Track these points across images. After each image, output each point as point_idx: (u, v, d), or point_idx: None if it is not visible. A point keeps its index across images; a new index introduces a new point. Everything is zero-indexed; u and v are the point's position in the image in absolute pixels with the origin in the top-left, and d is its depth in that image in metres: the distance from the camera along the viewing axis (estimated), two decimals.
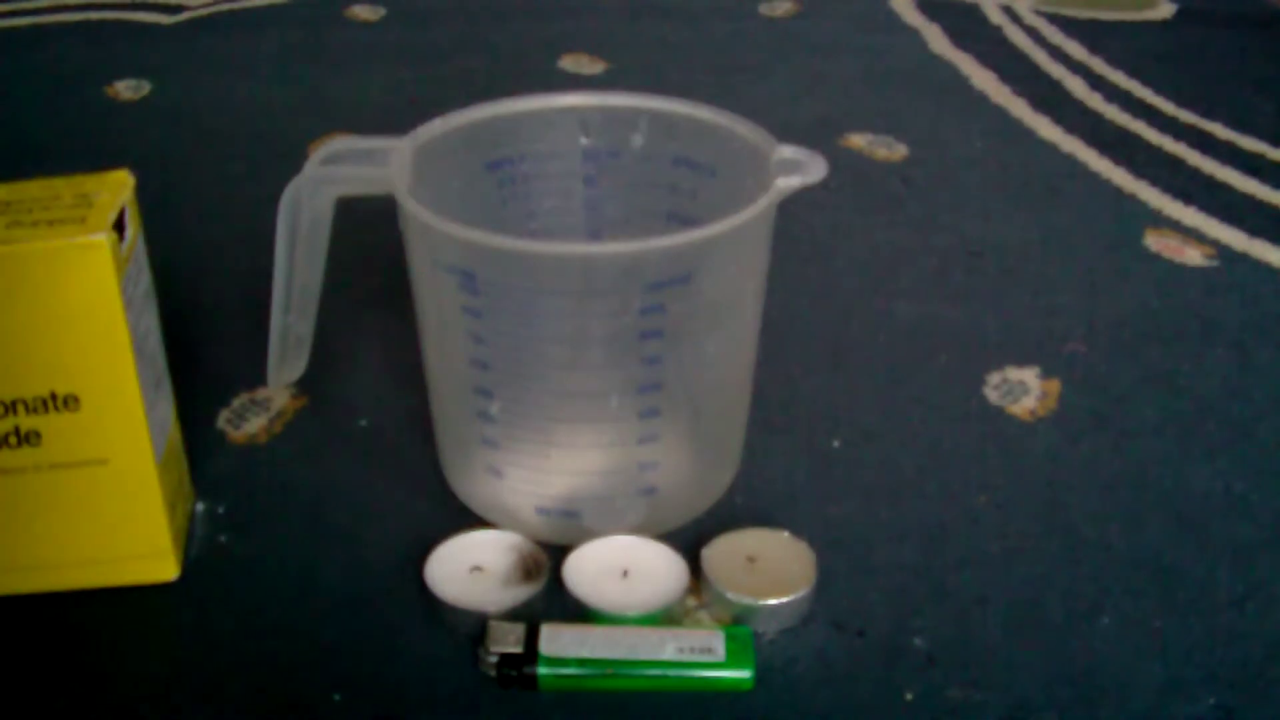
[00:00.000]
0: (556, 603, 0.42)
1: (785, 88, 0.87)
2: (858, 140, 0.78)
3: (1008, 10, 1.03)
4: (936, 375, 0.55)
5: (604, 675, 0.39)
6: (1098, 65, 0.92)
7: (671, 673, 0.39)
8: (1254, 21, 1.01)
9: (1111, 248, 0.66)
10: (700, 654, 0.39)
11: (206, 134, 0.79)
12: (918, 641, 0.41)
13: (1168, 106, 0.84)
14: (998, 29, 0.99)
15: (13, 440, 0.40)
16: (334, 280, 0.48)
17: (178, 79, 0.88)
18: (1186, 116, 0.83)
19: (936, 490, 0.48)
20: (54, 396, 0.40)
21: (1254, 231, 0.68)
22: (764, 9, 1.03)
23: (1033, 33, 0.99)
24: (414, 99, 0.84)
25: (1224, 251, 0.66)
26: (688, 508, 0.46)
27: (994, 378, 0.55)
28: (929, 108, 0.84)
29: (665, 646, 0.40)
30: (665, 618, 0.41)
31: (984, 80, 0.88)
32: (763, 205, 0.41)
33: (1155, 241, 0.67)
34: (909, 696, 0.39)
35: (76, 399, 0.40)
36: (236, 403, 0.53)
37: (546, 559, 0.43)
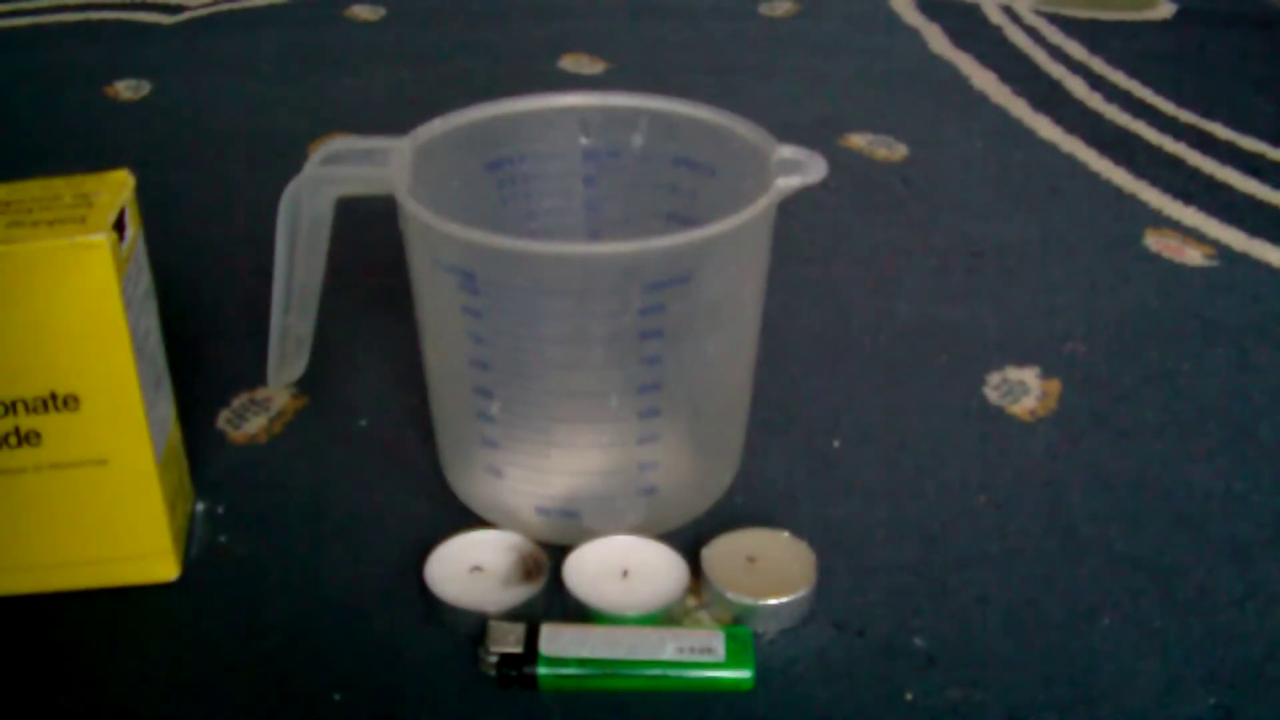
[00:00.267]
0: (556, 603, 0.42)
1: (785, 88, 0.87)
2: (858, 140, 0.78)
3: (1008, 10, 1.03)
4: (936, 375, 0.55)
5: (604, 675, 0.39)
6: (1098, 65, 0.92)
7: (671, 673, 0.39)
8: (1254, 21, 1.01)
9: (1111, 248, 0.66)
10: (700, 654, 0.39)
11: (206, 134, 0.79)
12: (918, 641, 0.41)
13: (1168, 106, 0.84)
14: (998, 29, 0.99)
15: (13, 440, 0.40)
16: (334, 280, 0.48)
17: (178, 79, 0.88)
18: (1186, 116, 0.83)
19: (936, 490, 0.48)
20: (54, 396, 0.40)
21: (1254, 231, 0.68)
22: (764, 9, 1.03)
23: (1033, 33, 0.99)
24: (414, 99, 0.84)
25: (1224, 251, 0.66)
26: (688, 508, 0.46)
27: (994, 378, 0.55)
28: (929, 108, 0.84)
29: (665, 646, 0.40)
30: (665, 618, 0.41)
31: (984, 80, 0.88)
32: (763, 205, 0.41)
33: (1155, 241, 0.67)
34: (909, 696, 0.39)
35: (76, 399, 0.40)
36: (236, 403, 0.53)
37: (546, 559, 0.43)
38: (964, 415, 0.53)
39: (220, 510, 0.47)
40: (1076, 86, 0.88)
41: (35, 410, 0.40)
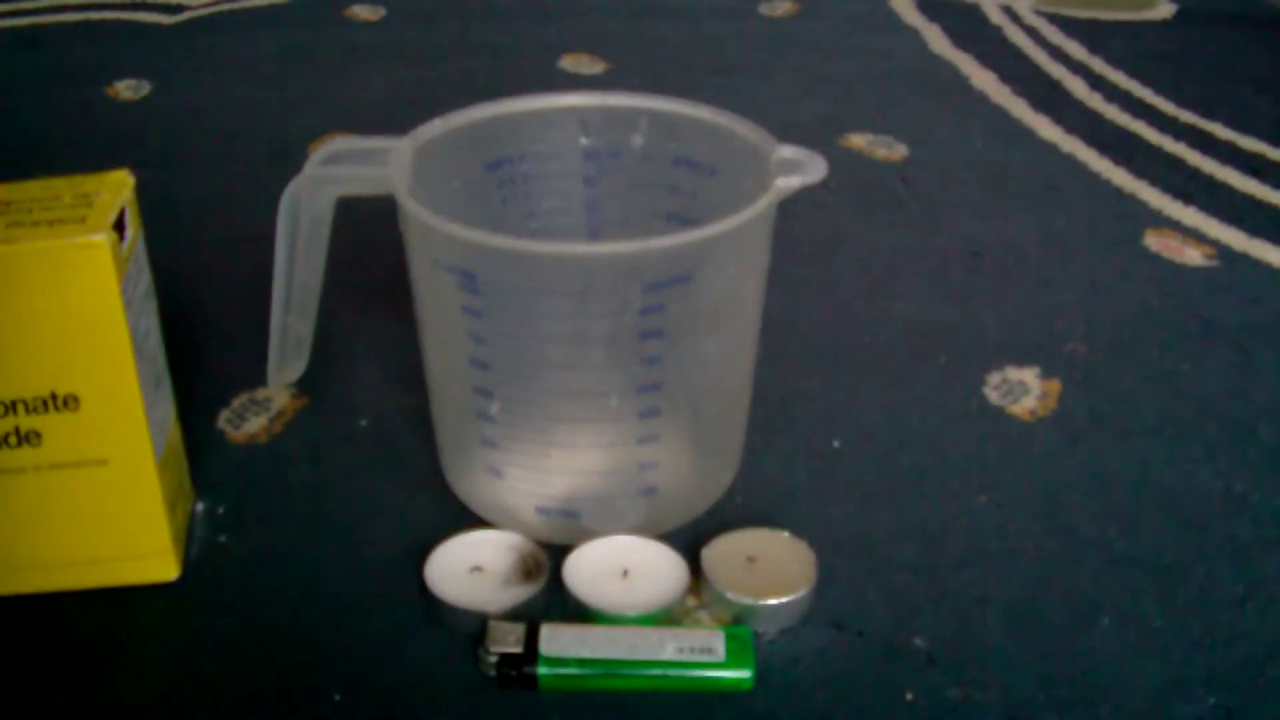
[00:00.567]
0: (556, 603, 0.42)
1: (785, 88, 0.87)
2: (858, 140, 0.78)
3: (1008, 10, 1.03)
4: (936, 375, 0.55)
5: (604, 675, 0.39)
6: (1098, 65, 0.92)
7: (671, 673, 0.39)
8: (1254, 21, 1.01)
9: (1111, 248, 0.66)
10: (700, 654, 0.39)
11: (206, 134, 0.79)
12: (918, 641, 0.41)
13: (1168, 106, 0.84)
14: (998, 29, 0.99)
15: (13, 440, 0.40)
16: (334, 280, 0.48)
17: (178, 79, 0.88)
18: (1186, 116, 0.83)
19: (936, 490, 0.48)
20: (54, 396, 0.40)
21: (1254, 231, 0.68)
22: (764, 9, 1.03)
23: (1033, 33, 0.99)
24: (414, 99, 0.84)
25: (1224, 251, 0.66)
26: (688, 508, 0.46)
27: (994, 378, 0.55)
28: (929, 108, 0.84)
29: (665, 646, 0.40)
30: (665, 618, 0.41)
31: (984, 80, 0.88)
32: (763, 205, 0.41)
33: (1155, 241, 0.67)
34: (909, 696, 0.39)
35: (76, 399, 0.40)
36: (236, 403, 0.53)
37: (546, 559, 0.43)
38: (964, 415, 0.53)
39: (220, 510, 0.47)
40: (1076, 87, 0.88)
41: (35, 410, 0.40)
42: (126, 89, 0.86)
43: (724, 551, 0.43)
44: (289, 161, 0.56)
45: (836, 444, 0.51)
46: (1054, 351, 0.57)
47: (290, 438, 0.51)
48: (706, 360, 0.43)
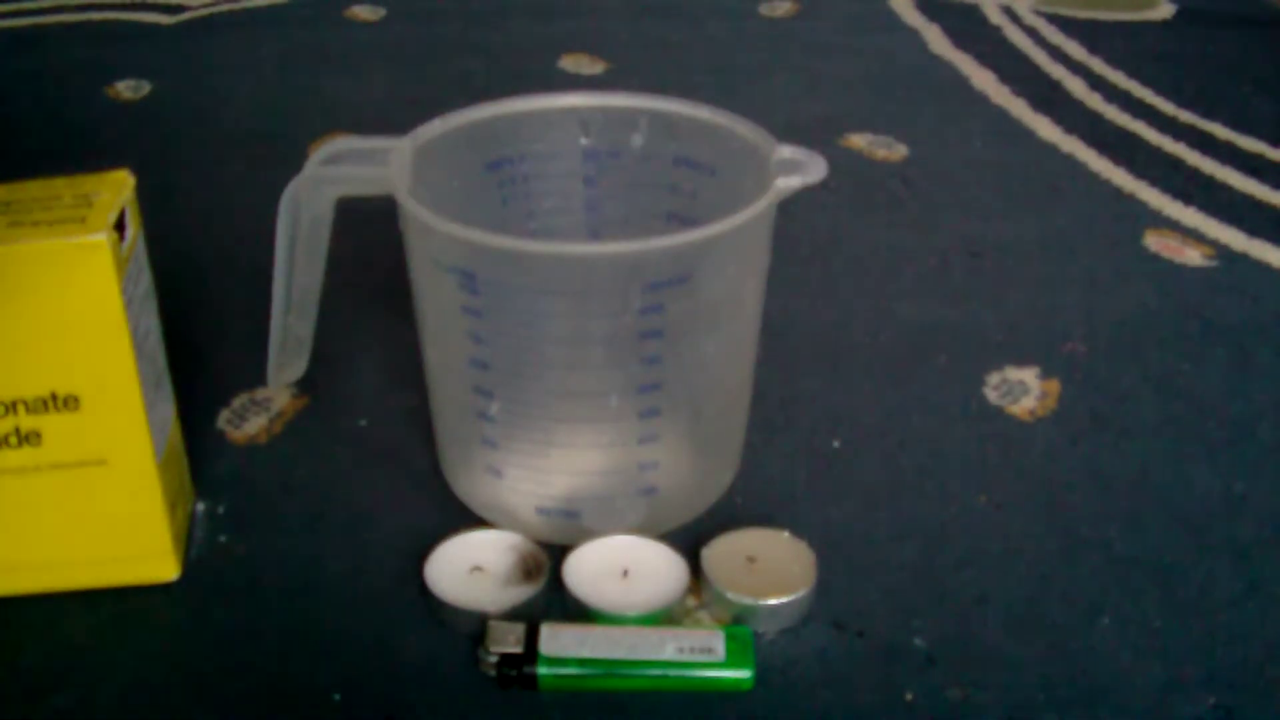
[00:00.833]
0: (556, 603, 0.42)
1: (785, 88, 0.87)
2: (858, 140, 0.78)
3: (1007, 10, 1.03)
4: (936, 375, 0.55)
5: (604, 675, 0.39)
6: (1097, 65, 0.92)
7: (671, 673, 0.39)
8: (1254, 21, 1.01)
9: (1111, 248, 0.66)
10: (700, 654, 0.39)
11: (206, 134, 0.79)
12: (918, 641, 0.41)
13: (1167, 107, 0.84)
14: (997, 29, 0.99)
15: (13, 440, 0.40)
16: (334, 280, 0.48)
17: (178, 79, 0.88)
18: (1186, 117, 0.83)
19: (936, 490, 0.48)
20: (54, 396, 0.40)
21: (1253, 231, 0.68)
22: (764, 9, 1.03)
23: (1032, 33, 0.99)
24: (414, 99, 0.84)
25: (1223, 251, 0.66)
26: (688, 508, 0.46)
27: (994, 378, 0.55)
28: (929, 108, 0.84)
29: (665, 646, 0.40)
30: (665, 618, 0.41)
31: (984, 80, 0.88)
32: (763, 205, 0.41)
33: (1155, 241, 0.67)
34: (909, 697, 0.39)
35: (76, 399, 0.40)
36: (236, 403, 0.53)
37: (546, 559, 0.43)
38: (964, 415, 0.53)
39: (220, 510, 0.47)
40: (1076, 87, 0.88)
41: (35, 410, 0.40)
42: (126, 89, 0.86)
43: (724, 551, 0.43)
44: (289, 161, 0.56)
45: (836, 444, 0.51)
46: (1054, 351, 0.57)
47: (290, 438, 0.51)
48: (706, 360, 0.43)
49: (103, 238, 0.38)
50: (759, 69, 0.90)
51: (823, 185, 0.42)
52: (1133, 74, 0.90)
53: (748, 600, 0.41)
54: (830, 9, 1.03)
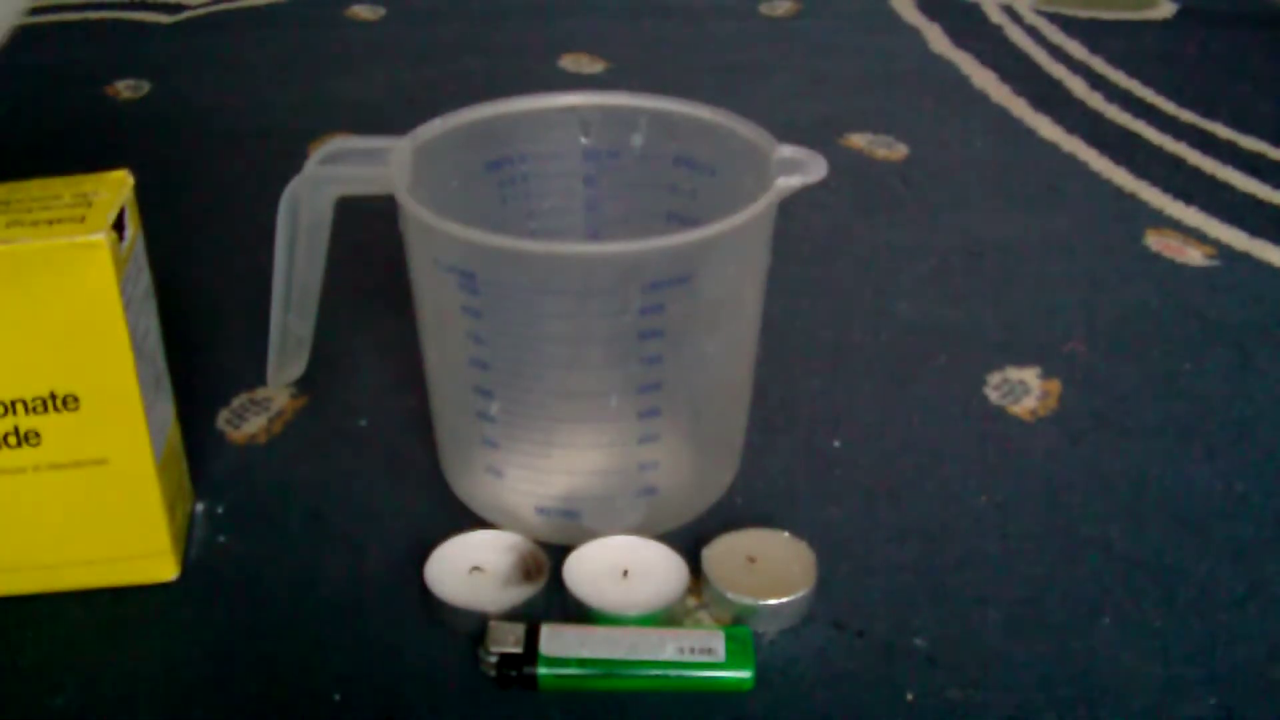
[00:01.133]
0: (556, 603, 0.42)
1: (785, 88, 0.87)
2: (858, 140, 0.78)
3: (1008, 10, 1.03)
4: (936, 375, 0.55)
5: (604, 675, 0.39)
6: (1098, 65, 0.92)
7: (672, 673, 0.39)
8: (1255, 21, 1.01)
9: (1112, 247, 0.66)
10: (700, 654, 0.39)
11: (206, 134, 0.79)
12: (918, 642, 0.41)
13: (1168, 106, 0.84)
14: (998, 28, 0.99)
15: (12, 440, 0.40)
16: (334, 280, 0.48)
17: (178, 79, 0.88)
18: (1187, 116, 0.83)
19: (937, 490, 0.48)
20: (53, 396, 0.40)
21: (1255, 231, 0.68)
22: (764, 9, 1.03)
23: (1033, 32, 0.98)
24: (414, 99, 0.84)
25: (1225, 251, 0.66)
26: (688, 508, 0.46)
27: (994, 378, 0.55)
28: (929, 107, 0.84)
29: (665, 647, 0.40)
30: (665, 618, 0.41)
31: (984, 80, 0.88)
32: (763, 205, 0.41)
33: (1156, 241, 0.67)
34: (909, 697, 0.39)
35: (76, 399, 0.40)
36: (236, 402, 0.53)
37: (546, 559, 0.43)
38: (964, 415, 0.53)
39: (220, 510, 0.47)
40: (1077, 86, 0.88)
41: (35, 410, 0.40)
42: (126, 89, 0.86)
43: (724, 551, 0.43)
44: (289, 161, 0.56)
45: (836, 444, 0.51)
46: (1054, 351, 0.57)
47: (290, 438, 0.51)
48: (706, 360, 0.43)
49: (102, 237, 0.38)
50: (759, 68, 0.90)
51: (823, 185, 0.42)
52: (1134, 73, 0.90)
53: (748, 600, 0.41)
54: (831, 8, 1.03)
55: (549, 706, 0.39)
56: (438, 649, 0.41)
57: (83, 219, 0.39)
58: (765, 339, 0.47)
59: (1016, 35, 0.98)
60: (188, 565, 0.44)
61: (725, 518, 0.46)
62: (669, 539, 0.44)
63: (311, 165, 0.44)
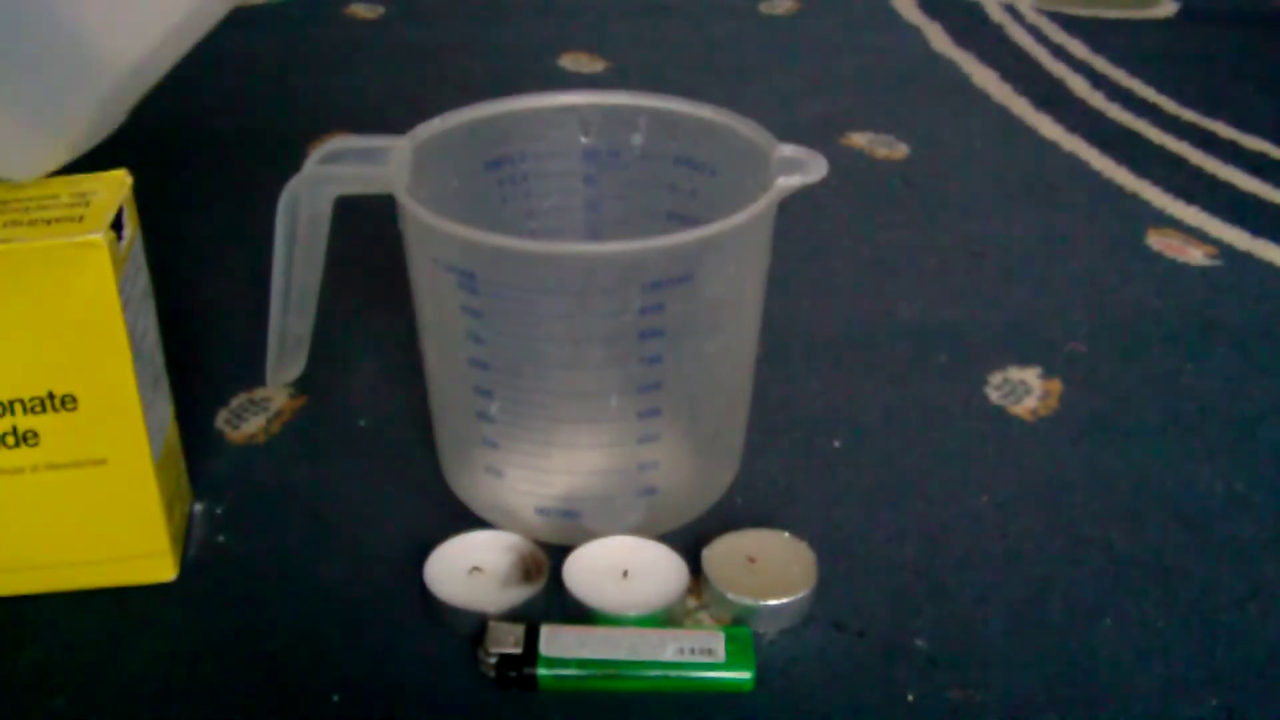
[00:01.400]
0: (556, 603, 0.42)
1: (785, 87, 0.87)
2: (858, 140, 0.78)
3: (1009, 8, 1.03)
4: (937, 375, 0.55)
5: (604, 676, 0.39)
6: (1100, 64, 0.92)
7: (672, 673, 0.39)
8: (1256, 20, 1.01)
9: (1113, 247, 0.66)
10: (700, 655, 0.39)
11: (206, 134, 0.79)
12: (918, 642, 0.41)
13: (1170, 105, 0.84)
14: (999, 27, 0.99)
15: (10, 440, 0.40)
16: (334, 280, 0.48)
17: (177, 78, 0.87)
18: (1189, 115, 0.83)
19: (937, 490, 0.48)
20: (51, 396, 0.40)
21: (1256, 231, 0.68)
22: (764, 8, 1.03)
23: (1034, 31, 0.98)
24: (414, 99, 0.84)
25: (1226, 251, 0.66)
26: (688, 508, 0.46)
27: (995, 378, 0.55)
28: (930, 107, 0.84)
29: (665, 647, 0.39)
30: (665, 618, 0.41)
31: (985, 79, 0.88)
32: (763, 205, 0.41)
33: (1157, 241, 0.67)
34: (910, 697, 0.39)
35: (74, 399, 0.40)
36: (235, 403, 0.53)
37: (546, 559, 0.43)
38: (965, 415, 0.53)
39: (219, 510, 0.47)
40: (1078, 85, 0.88)
41: (33, 410, 0.40)
42: None
43: (724, 552, 0.43)
44: (289, 161, 0.56)
45: (836, 444, 0.51)
46: (1055, 351, 0.57)
47: (289, 438, 0.51)
48: (706, 360, 0.43)
49: (100, 237, 0.38)
50: (759, 68, 0.90)
51: (823, 185, 0.42)
52: (1135, 72, 0.90)
53: (748, 601, 0.41)
54: (831, 7, 1.03)
55: (549, 707, 0.39)
56: (438, 649, 0.41)
57: (81, 219, 0.39)
58: (765, 339, 0.47)
59: (1018, 34, 0.98)
60: (187, 565, 0.44)
61: (725, 518, 0.46)
62: (669, 539, 0.44)
63: (311, 165, 0.44)
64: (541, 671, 0.39)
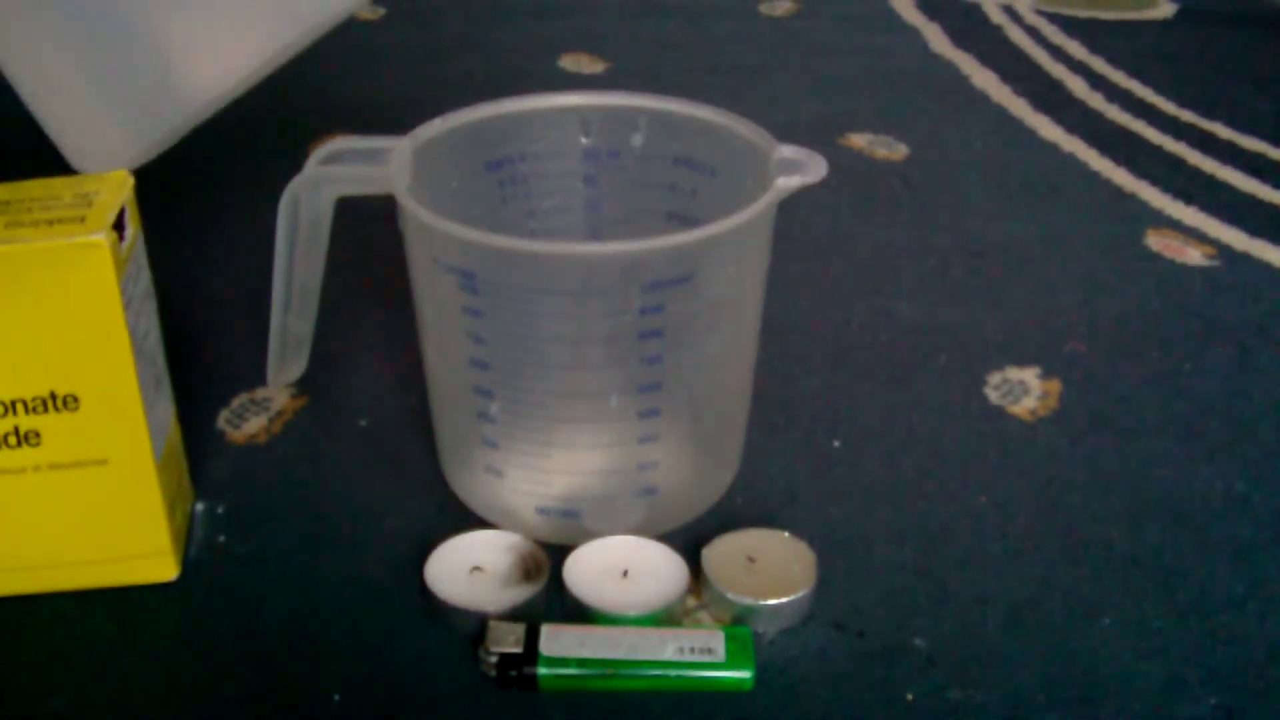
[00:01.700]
0: (556, 603, 0.42)
1: (785, 87, 0.87)
2: (858, 140, 0.78)
3: (1008, 10, 1.03)
4: (936, 375, 0.55)
5: (604, 675, 0.39)
6: (1098, 65, 0.92)
7: (671, 673, 0.39)
8: (1255, 21, 1.01)
9: (1112, 248, 0.66)
10: (700, 654, 0.39)
11: (206, 134, 0.79)
12: (918, 642, 0.41)
13: (1169, 106, 0.84)
14: (998, 28, 0.99)
15: (12, 440, 0.40)
16: (334, 280, 0.48)
17: None
18: (1187, 116, 0.83)
19: (937, 490, 0.48)
20: (53, 396, 0.40)
21: (1255, 231, 0.68)
22: (764, 8, 1.03)
23: (1033, 32, 0.99)
24: (414, 99, 0.84)
25: (1225, 251, 0.66)
26: (688, 508, 0.46)
27: (994, 378, 0.55)
28: (929, 107, 0.84)
29: (665, 647, 0.40)
30: (665, 618, 0.41)
31: (984, 80, 0.88)
32: (763, 205, 0.41)
33: (1156, 241, 0.67)
34: (909, 697, 0.39)
35: (76, 399, 0.40)
36: (236, 403, 0.53)
37: (546, 559, 0.43)
38: (964, 415, 0.53)
39: (220, 510, 0.47)
40: (1077, 86, 0.88)
41: (35, 410, 0.40)
42: None
43: (724, 551, 0.43)
44: (289, 161, 0.56)
45: (836, 444, 0.51)
46: (1054, 351, 0.57)
47: (290, 438, 0.51)
48: (706, 360, 0.43)
49: (102, 237, 0.38)
50: (759, 68, 0.90)
51: (823, 185, 0.42)
52: (1134, 73, 0.90)
53: (748, 600, 0.41)
54: (830, 8, 1.03)
55: (549, 706, 0.39)
56: (438, 649, 0.41)
57: (83, 219, 0.39)
58: (765, 339, 0.47)
59: (1017, 35, 0.98)
60: (188, 565, 0.44)
61: (725, 518, 0.46)
62: (669, 539, 0.44)
63: (311, 165, 0.44)
64: (542, 671, 0.39)
